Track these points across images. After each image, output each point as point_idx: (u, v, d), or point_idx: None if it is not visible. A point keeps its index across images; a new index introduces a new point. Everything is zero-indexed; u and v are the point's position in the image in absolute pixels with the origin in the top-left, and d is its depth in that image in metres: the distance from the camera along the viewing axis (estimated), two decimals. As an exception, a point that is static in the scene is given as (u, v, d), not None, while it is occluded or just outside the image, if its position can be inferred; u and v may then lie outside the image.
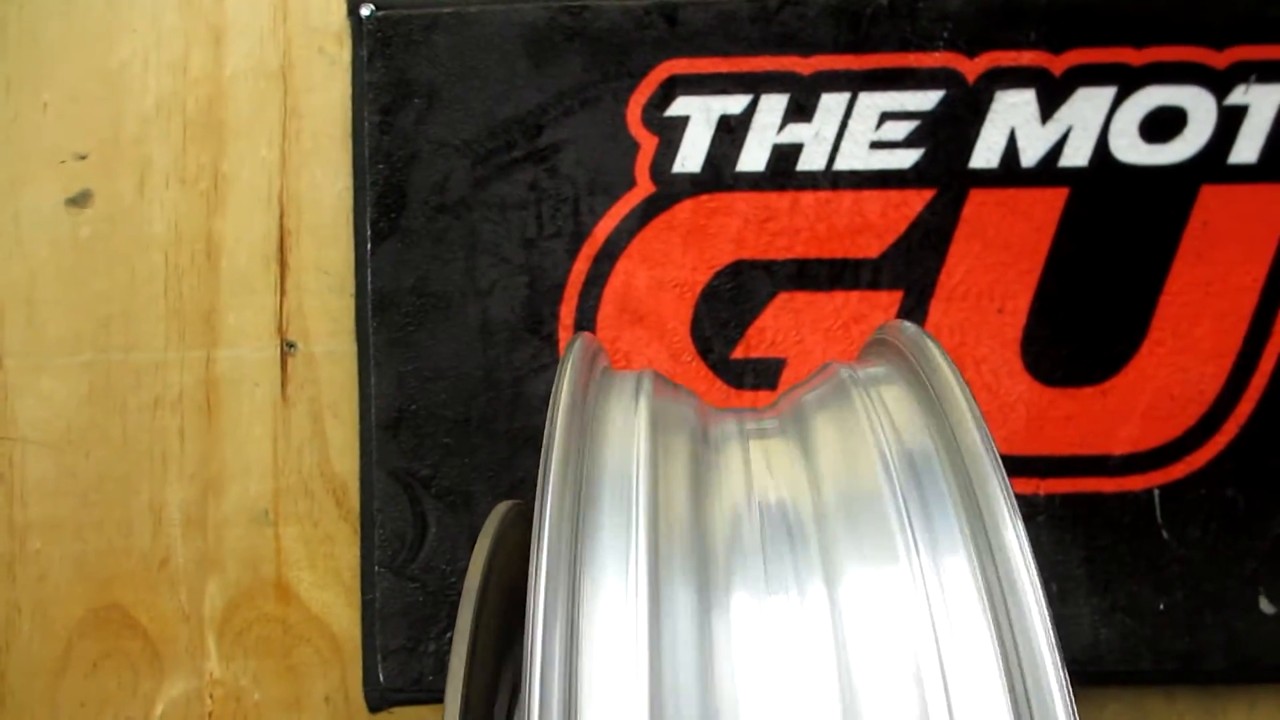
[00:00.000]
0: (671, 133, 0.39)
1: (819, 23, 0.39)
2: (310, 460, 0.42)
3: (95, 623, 0.42)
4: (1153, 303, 0.39)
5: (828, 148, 0.39)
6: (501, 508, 0.24)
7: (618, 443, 0.19)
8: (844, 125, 0.39)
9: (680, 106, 0.39)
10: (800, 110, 0.39)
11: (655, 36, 0.39)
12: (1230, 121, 0.39)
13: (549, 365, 0.39)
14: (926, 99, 0.39)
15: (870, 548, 0.18)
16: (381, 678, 0.38)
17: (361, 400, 0.40)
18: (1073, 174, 0.39)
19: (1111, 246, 0.39)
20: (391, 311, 0.40)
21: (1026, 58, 0.39)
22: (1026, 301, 0.39)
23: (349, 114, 0.41)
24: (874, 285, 0.40)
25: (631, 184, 0.40)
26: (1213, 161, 0.39)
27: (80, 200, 0.42)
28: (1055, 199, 0.39)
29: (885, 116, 0.39)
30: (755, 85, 0.39)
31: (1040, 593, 0.16)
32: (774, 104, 0.39)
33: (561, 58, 0.40)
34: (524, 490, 0.39)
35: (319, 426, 0.42)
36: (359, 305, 0.40)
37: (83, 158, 0.42)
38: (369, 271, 0.40)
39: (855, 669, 0.17)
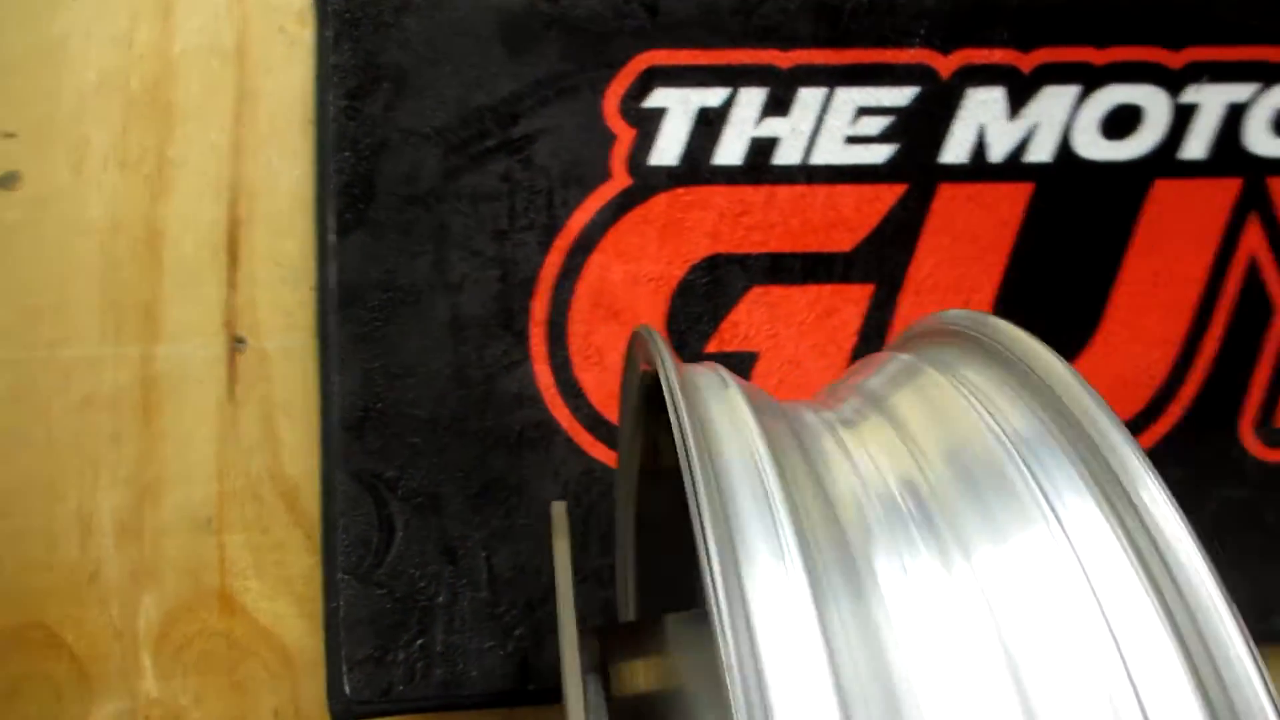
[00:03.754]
0: (649, 125, 0.40)
1: (799, 17, 0.40)
2: (260, 463, 0.40)
3: (15, 643, 0.40)
4: (1107, 293, 0.41)
5: (804, 142, 0.40)
6: (561, 507, 0.24)
7: (733, 432, 0.19)
8: (821, 120, 0.40)
9: (658, 98, 0.40)
10: (778, 104, 0.40)
11: (635, 26, 0.40)
12: (1182, 119, 0.41)
13: (520, 362, 0.39)
14: (902, 95, 0.40)
15: (1000, 512, 0.19)
16: (347, 690, 0.37)
17: (323, 399, 0.39)
18: (1037, 169, 0.41)
19: (1071, 240, 0.41)
20: (357, 306, 0.39)
21: (997, 55, 0.40)
22: (991, 294, 0.41)
23: (310, 98, 0.41)
24: (846, 279, 0.41)
25: (607, 176, 0.40)
26: (1164, 157, 0.41)
27: (6, 182, 0.40)
28: (1020, 194, 0.41)
29: (861, 111, 0.40)
30: (734, 78, 0.40)
31: (1198, 543, 0.17)
32: (752, 97, 0.40)
33: (538, 45, 0.40)
34: (497, 491, 0.39)
35: (270, 427, 0.41)
36: (321, 299, 0.39)
37: (11, 136, 0.40)
38: (333, 264, 0.39)
39: (1013, 632, 0.17)
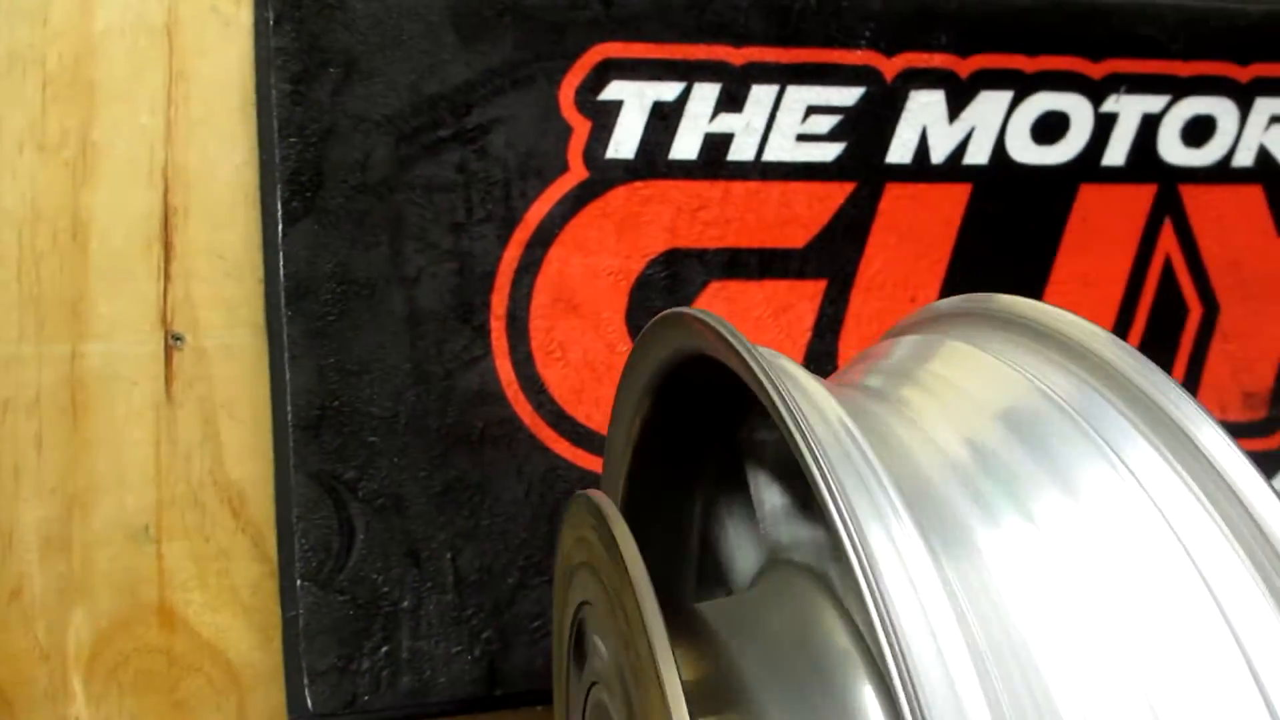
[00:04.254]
0: (605, 117, 0.40)
1: (750, 14, 0.40)
2: (201, 467, 0.39)
3: (-77, 670, 0.37)
4: (1041, 292, 0.44)
5: (757, 139, 0.41)
6: (599, 496, 0.24)
7: (820, 408, 0.19)
8: (773, 117, 0.41)
9: (614, 91, 0.40)
10: (732, 100, 0.41)
11: (590, 18, 0.39)
12: (1103, 127, 0.44)
13: (481, 357, 0.39)
14: (849, 95, 0.41)
15: (1067, 462, 0.20)
16: (309, 703, 0.36)
17: (274, 397, 0.37)
18: (975, 171, 0.43)
19: (1007, 240, 0.43)
20: (308, 300, 0.37)
21: (938, 60, 0.42)
22: (935, 291, 0.43)
23: (248, 81, 0.39)
24: (800, 275, 0.42)
25: (564, 168, 0.40)
26: (1089, 163, 0.44)
27: (-89, 167, 0.37)
28: (960, 194, 0.43)
29: (811, 110, 0.41)
30: (688, 73, 0.40)
31: (1262, 475, 0.18)
32: (706, 93, 0.40)
33: (492, 33, 0.39)
34: (460, 490, 0.38)
35: (211, 429, 0.39)
36: (269, 293, 0.38)
37: (-84, 117, 0.37)
38: (280, 256, 0.37)
39: (1102, 574, 0.18)
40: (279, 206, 0.37)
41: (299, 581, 0.36)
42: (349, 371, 0.37)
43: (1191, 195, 0.45)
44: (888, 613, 0.16)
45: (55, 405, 0.38)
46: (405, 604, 0.37)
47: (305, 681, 0.36)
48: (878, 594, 0.16)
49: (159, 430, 0.38)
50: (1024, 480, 0.20)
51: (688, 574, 0.30)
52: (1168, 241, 0.45)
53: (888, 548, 0.17)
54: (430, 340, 0.38)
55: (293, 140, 0.38)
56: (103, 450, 0.38)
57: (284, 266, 0.37)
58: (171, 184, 0.39)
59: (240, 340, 0.39)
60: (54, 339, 0.38)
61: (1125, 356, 0.22)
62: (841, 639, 0.23)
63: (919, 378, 0.24)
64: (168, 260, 0.38)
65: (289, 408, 0.37)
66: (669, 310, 0.25)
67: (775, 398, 0.19)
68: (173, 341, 0.38)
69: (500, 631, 0.38)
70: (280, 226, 0.37)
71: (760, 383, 0.19)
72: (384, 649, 0.37)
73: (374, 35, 0.38)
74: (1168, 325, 0.44)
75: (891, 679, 0.16)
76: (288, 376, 0.37)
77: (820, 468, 0.17)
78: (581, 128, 0.40)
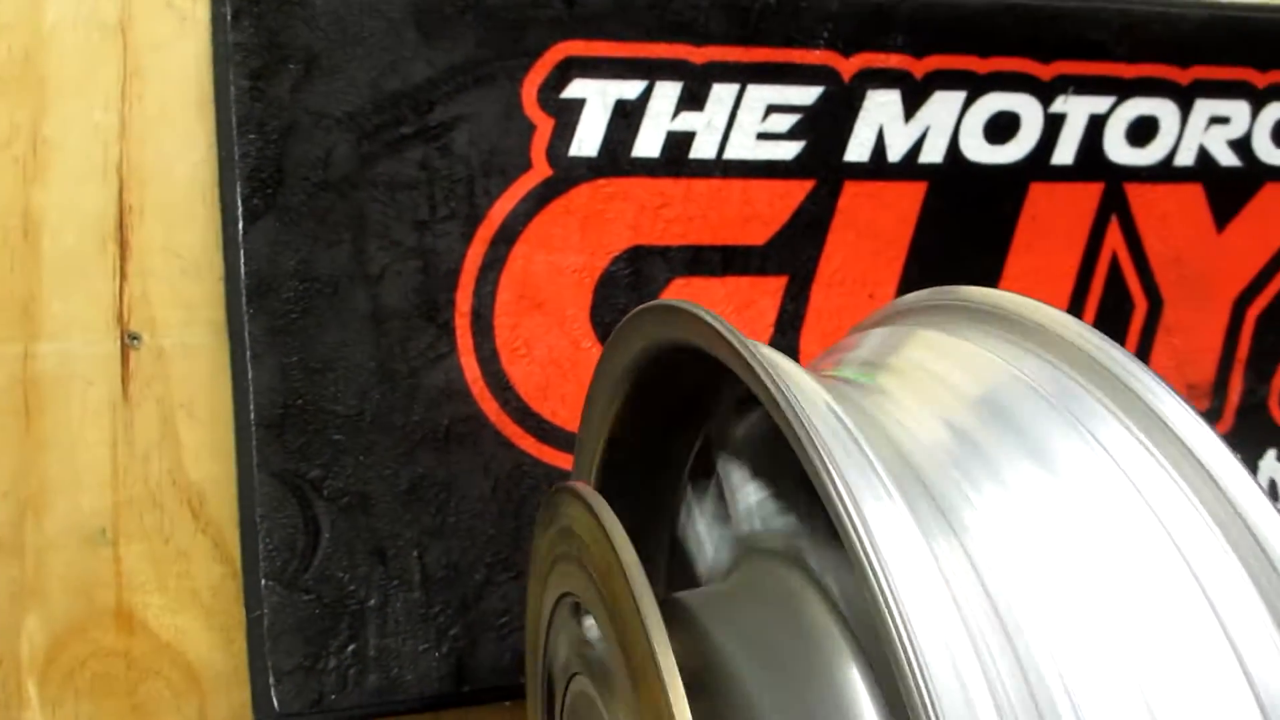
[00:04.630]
0: (568, 115, 0.40)
1: (711, 14, 0.41)
2: (159, 467, 0.38)
3: None
4: (994, 287, 0.45)
5: (718, 137, 0.41)
6: (584, 488, 0.24)
7: (808, 393, 0.20)
8: (733, 116, 0.41)
9: (576, 89, 0.40)
10: (693, 99, 0.41)
11: (552, 16, 0.40)
12: (1053, 127, 0.45)
13: (446, 355, 0.39)
14: (808, 94, 0.42)
15: (1042, 438, 0.21)
16: (276, 703, 0.35)
17: (236, 396, 0.37)
18: (930, 170, 0.44)
19: (961, 236, 0.44)
20: (270, 298, 0.37)
21: (893, 60, 0.43)
22: (893, 287, 0.44)
23: (205, 78, 0.38)
24: (761, 271, 0.42)
25: (527, 166, 0.40)
26: (1039, 162, 0.45)
27: None
28: (916, 192, 0.44)
29: (771, 109, 0.42)
30: (650, 72, 0.41)
31: (1225, 442, 0.19)
32: (668, 91, 0.41)
33: (453, 31, 0.39)
34: (426, 488, 0.38)
35: (170, 429, 0.38)
36: (229, 291, 0.37)
37: None
38: (241, 253, 0.37)
39: (1079, 540, 0.19)
40: (239, 204, 0.37)
41: (263, 581, 0.36)
42: (313, 370, 0.37)
43: (1136, 194, 0.46)
44: (890, 591, 0.17)
45: (8, 406, 0.37)
46: (372, 602, 0.37)
47: (271, 681, 0.36)
48: (879, 573, 0.17)
49: (116, 431, 0.38)
50: (1003, 459, 0.21)
51: (660, 569, 0.31)
52: (1114, 238, 0.46)
53: (885, 528, 0.17)
54: (395, 338, 0.38)
55: (252, 137, 0.37)
56: (57, 451, 0.37)
57: (245, 264, 0.37)
58: (127, 181, 0.38)
59: (199, 339, 0.38)
60: (6, 339, 0.37)
61: (1092, 339, 0.23)
62: (825, 622, 0.23)
63: (894, 366, 0.25)
64: (123, 259, 0.38)
65: (251, 406, 0.36)
66: (654, 302, 0.26)
67: (770, 385, 0.19)
68: (129, 341, 0.38)
69: (468, 628, 0.38)
70: (241, 224, 0.37)
71: (753, 372, 0.20)
72: (350, 647, 0.36)
73: (334, 32, 0.38)
74: (1115, 319, 0.46)
75: (896, 654, 0.16)
76: (250, 375, 0.37)
77: (818, 452, 0.18)
78: (544, 125, 0.40)
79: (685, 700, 0.19)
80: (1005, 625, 0.18)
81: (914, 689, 0.16)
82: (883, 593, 0.17)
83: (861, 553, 0.17)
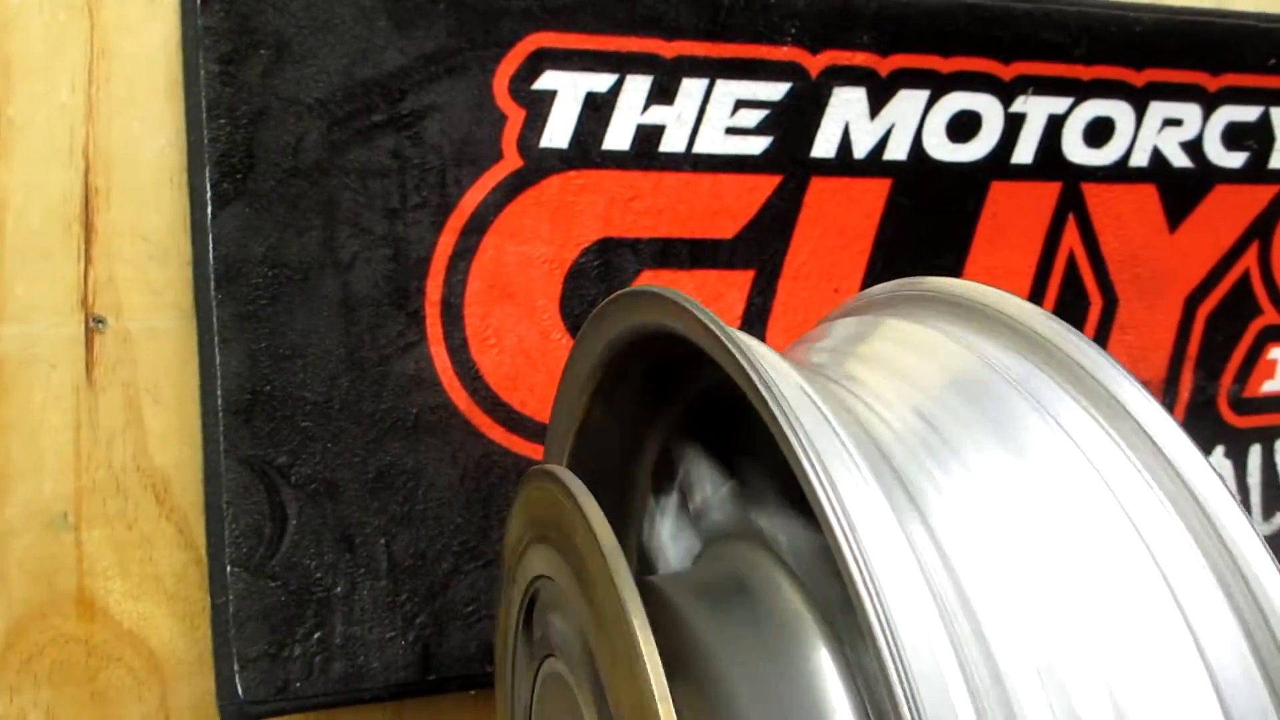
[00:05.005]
0: (539, 107, 0.40)
1: (680, 8, 0.41)
2: (123, 452, 0.38)
3: None
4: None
5: (688, 131, 0.42)
6: (562, 471, 0.24)
7: (784, 378, 0.20)
8: (703, 110, 0.42)
9: (548, 81, 0.40)
10: (663, 93, 0.41)
11: (523, 7, 0.40)
12: (1013, 126, 0.46)
13: (416, 343, 0.39)
14: (775, 90, 0.43)
15: (1007, 424, 0.21)
16: (240, 690, 0.35)
17: (203, 381, 0.37)
18: (895, 167, 0.44)
19: (925, 233, 0.45)
20: (239, 283, 0.37)
21: (859, 58, 0.44)
22: (858, 282, 0.44)
23: (174, 61, 0.38)
24: (729, 265, 0.43)
25: (499, 156, 0.40)
26: (1000, 161, 0.46)
27: None
28: (880, 189, 0.44)
29: (739, 104, 0.42)
30: (621, 65, 0.41)
31: (1179, 426, 0.20)
32: (638, 85, 0.41)
33: (425, 19, 0.39)
34: (395, 476, 0.38)
35: (135, 414, 0.38)
36: (198, 276, 0.37)
37: None
38: (209, 238, 0.37)
39: (1042, 521, 0.20)
40: (208, 188, 0.37)
41: (229, 568, 0.36)
42: (281, 356, 0.37)
43: (1093, 193, 0.47)
44: (867, 570, 0.17)
45: (-32, 390, 0.36)
46: (338, 590, 0.37)
47: (236, 668, 0.35)
48: (856, 553, 0.17)
49: (79, 415, 0.37)
50: (968, 444, 0.21)
51: (632, 547, 0.31)
52: (1071, 237, 0.47)
53: (861, 509, 0.18)
54: (364, 325, 0.38)
55: (222, 122, 0.37)
56: (18, 435, 0.37)
57: (214, 249, 0.37)
58: (93, 164, 0.38)
59: (165, 324, 0.38)
60: (-33, 322, 0.36)
61: (1054, 326, 0.23)
62: (794, 603, 0.24)
63: (862, 353, 0.25)
64: (89, 242, 0.38)
65: (219, 392, 0.36)
66: (632, 287, 0.26)
67: (746, 367, 0.19)
68: (94, 324, 0.37)
69: (435, 617, 0.38)
70: (210, 209, 0.37)
71: (729, 354, 0.20)
72: (317, 635, 0.36)
73: (305, 18, 0.38)
74: (1071, 316, 0.47)
75: (872, 632, 0.17)
76: (218, 360, 0.36)
77: (795, 433, 0.18)
78: (516, 116, 0.40)
79: (665, 681, 0.20)
80: (971, 603, 0.19)
81: (890, 666, 0.17)
82: (859, 571, 0.17)
83: (839, 533, 0.17)
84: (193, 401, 0.37)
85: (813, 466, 0.18)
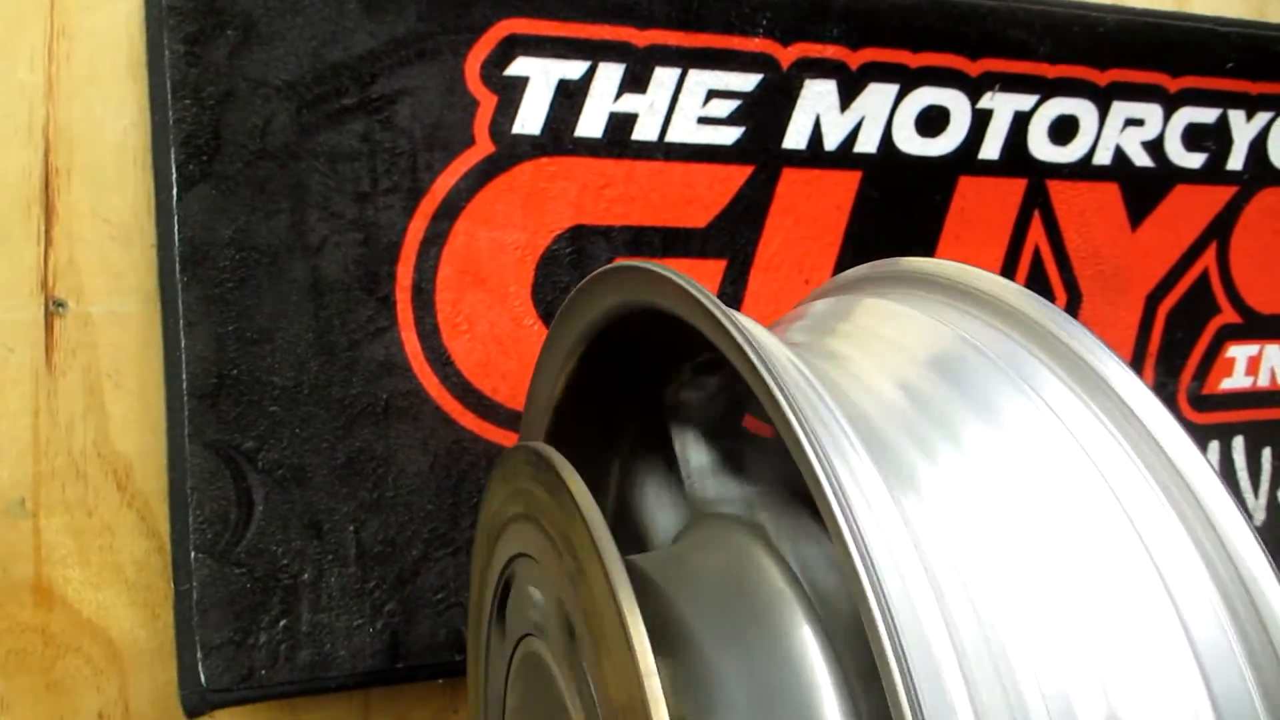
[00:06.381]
0: (511, 93, 0.40)
1: (654, -3, 0.41)
2: (83, 438, 0.37)
3: None
4: (924, 275, 0.46)
5: (660, 120, 0.42)
6: (545, 448, 0.24)
7: (778, 355, 0.20)
8: (675, 99, 0.42)
9: (520, 67, 0.40)
10: (635, 81, 0.41)
11: (497, -8, 0.39)
12: (980, 122, 0.46)
13: (387, 328, 0.38)
14: (747, 80, 0.43)
15: (993, 400, 0.21)
16: (203, 678, 0.35)
17: (168, 366, 0.36)
18: (864, 159, 0.45)
19: (894, 226, 0.45)
20: (206, 266, 0.36)
21: (830, 51, 0.44)
22: (828, 273, 0.44)
23: (137, 40, 0.37)
24: (702, 254, 0.42)
25: (470, 142, 0.39)
26: (968, 156, 0.46)
27: None
28: (851, 181, 0.44)
29: (712, 94, 0.42)
30: (593, 53, 0.41)
31: (1160, 400, 0.20)
32: (611, 73, 0.41)
33: (395, 3, 0.39)
34: (364, 462, 0.37)
35: (96, 399, 0.37)
36: (162, 259, 0.36)
37: None
38: (175, 221, 0.36)
39: (1028, 493, 0.20)
40: (173, 170, 0.36)
41: (192, 554, 0.35)
42: (249, 340, 0.36)
43: (1057, 190, 0.48)
44: (863, 543, 0.17)
45: (-78, 373, 0.35)
46: (305, 577, 0.36)
47: (199, 655, 0.35)
48: (853, 527, 0.17)
49: (38, 400, 0.36)
50: (955, 419, 0.21)
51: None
52: (1037, 233, 0.48)
53: (854, 485, 0.18)
54: (334, 310, 0.37)
55: (187, 103, 0.36)
56: (-25, 421, 0.36)
57: (179, 232, 0.36)
58: (53, 144, 0.37)
59: (128, 307, 0.37)
60: (-78, 302, 0.35)
61: (1031, 302, 0.23)
62: (777, 582, 0.23)
63: (845, 331, 0.25)
64: (49, 223, 0.37)
65: (184, 376, 0.36)
66: (620, 264, 0.26)
67: (741, 341, 0.19)
68: (54, 308, 0.37)
69: (403, 604, 0.37)
70: (175, 191, 0.36)
71: (722, 329, 0.20)
72: (282, 622, 0.36)
73: (275, -2, 0.37)
74: (1037, 310, 0.47)
75: (869, 608, 0.17)
76: (183, 344, 0.36)
77: (789, 408, 0.18)
78: (488, 102, 0.40)
79: (652, 657, 0.20)
80: (963, 576, 0.19)
81: (884, 639, 0.17)
82: (856, 546, 0.17)
83: (835, 506, 0.17)
84: (155, 387, 0.37)
85: (807, 441, 0.18)
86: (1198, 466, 0.20)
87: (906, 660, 0.16)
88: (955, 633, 0.18)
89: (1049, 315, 0.23)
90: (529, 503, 0.24)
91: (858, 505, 0.17)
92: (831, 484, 0.17)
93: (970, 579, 0.19)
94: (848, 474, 0.18)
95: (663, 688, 0.20)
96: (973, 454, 0.21)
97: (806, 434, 0.18)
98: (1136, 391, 0.21)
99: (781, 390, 0.18)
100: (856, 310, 0.26)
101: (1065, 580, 0.19)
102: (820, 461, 0.18)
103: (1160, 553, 0.20)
